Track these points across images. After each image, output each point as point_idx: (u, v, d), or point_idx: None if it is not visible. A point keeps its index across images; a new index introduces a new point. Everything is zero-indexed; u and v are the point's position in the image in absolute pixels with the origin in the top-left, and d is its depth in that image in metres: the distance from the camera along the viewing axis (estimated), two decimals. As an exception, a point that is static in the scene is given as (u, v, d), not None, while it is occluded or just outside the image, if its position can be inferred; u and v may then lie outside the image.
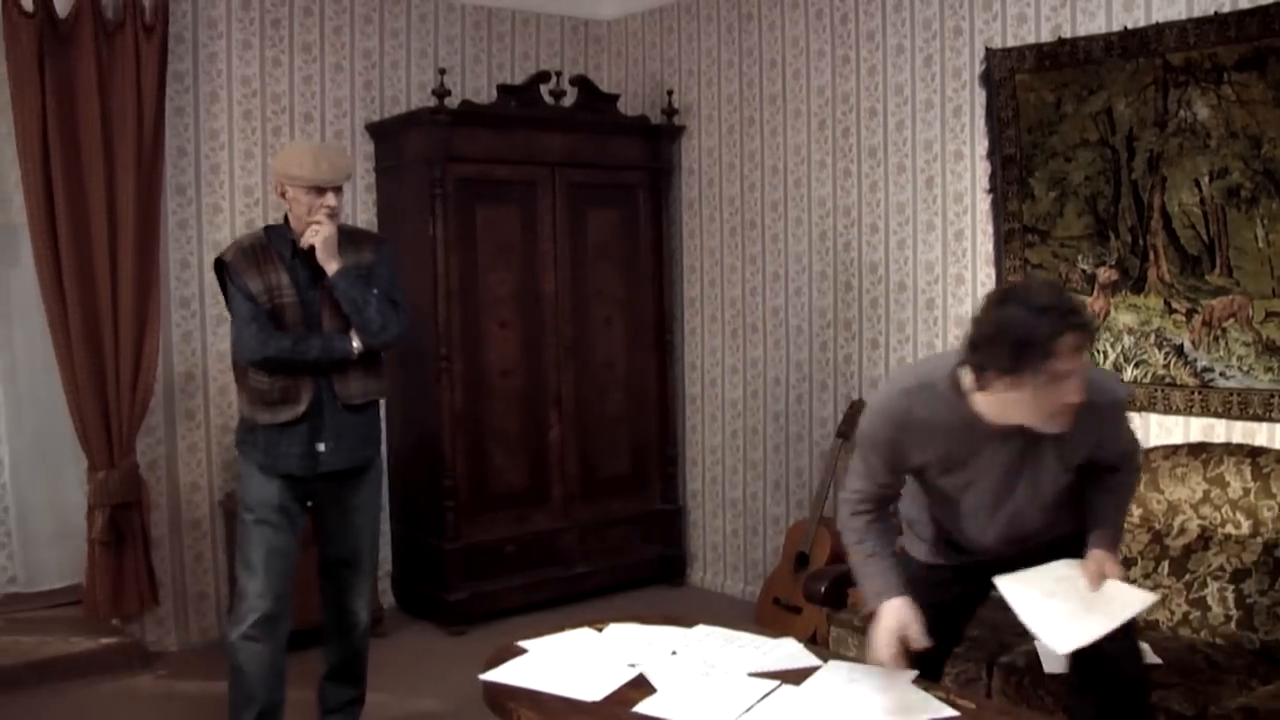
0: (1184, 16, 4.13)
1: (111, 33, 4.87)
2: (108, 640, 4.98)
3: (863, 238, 5.30)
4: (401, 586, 5.85)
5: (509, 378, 5.70)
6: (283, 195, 3.81)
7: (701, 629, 3.33)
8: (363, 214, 5.70)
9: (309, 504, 3.98)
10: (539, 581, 5.75)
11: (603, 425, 6.03)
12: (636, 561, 6.13)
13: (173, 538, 5.27)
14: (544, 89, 5.76)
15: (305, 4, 5.49)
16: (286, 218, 3.85)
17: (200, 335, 5.29)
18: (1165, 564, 3.92)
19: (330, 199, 3.77)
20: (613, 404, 6.06)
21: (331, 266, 3.79)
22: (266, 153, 5.42)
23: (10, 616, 5.25)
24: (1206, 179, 4.11)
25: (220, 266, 3.85)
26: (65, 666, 4.82)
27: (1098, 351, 4.43)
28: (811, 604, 4.51)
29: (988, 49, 4.70)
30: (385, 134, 5.68)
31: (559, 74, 5.83)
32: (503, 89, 5.72)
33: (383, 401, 4.13)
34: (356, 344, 3.82)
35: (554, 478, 5.88)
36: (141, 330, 4.98)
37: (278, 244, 3.83)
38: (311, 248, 3.79)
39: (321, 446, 3.83)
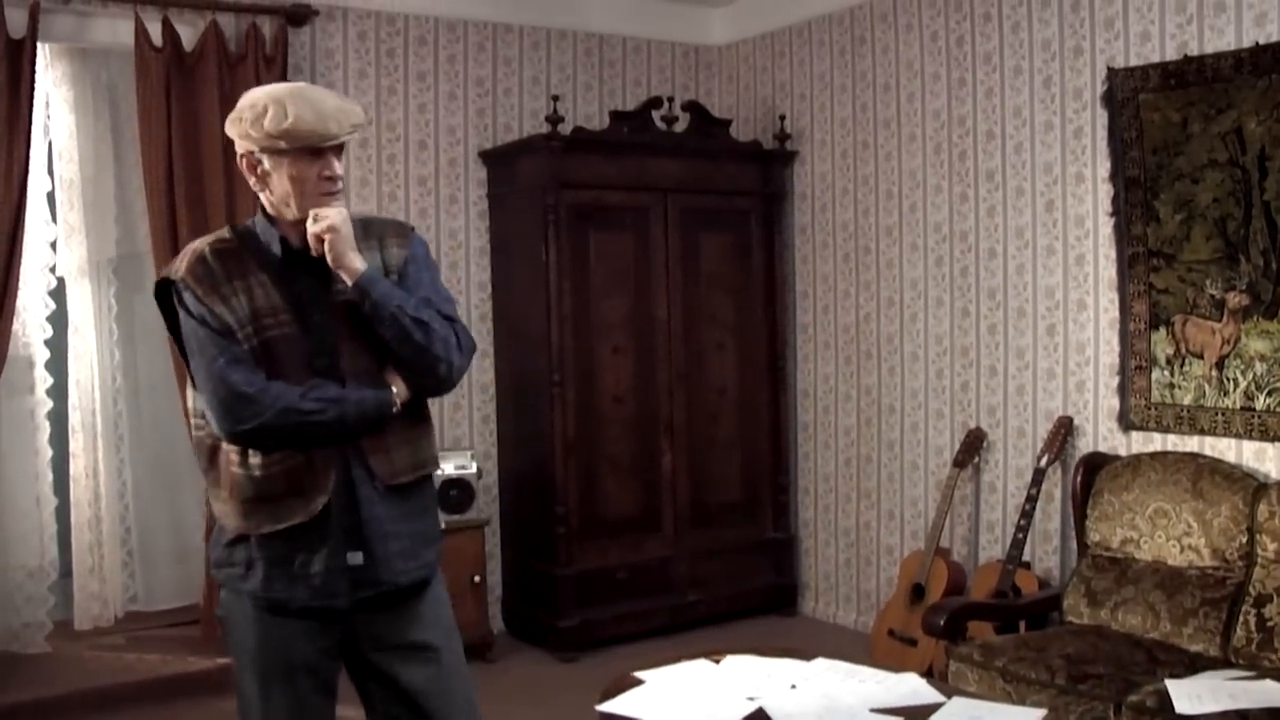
0: (1319, 31, 3.98)
1: (234, 64, 4.99)
2: (224, 661, 5.06)
3: (980, 263, 5.19)
4: (512, 611, 5.86)
5: (621, 403, 5.69)
6: (255, 173, 2.53)
7: (821, 662, 3.26)
8: (476, 240, 5.76)
9: (345, 653, 2.67)
10: (650, 609, 5.71)
11: (714, 452, 5.98)
12: (748, 590, 6.05)
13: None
14: (656, 115, 5.76)
15: (420, 34, 5.57)
16: (263, 209, 2.59)
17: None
18: (1304, 601, 3.76)
19: (333, 164, 2.52)
20: (724, 431, 6.01)
21: (352, 269, 2.50)
22: (381, 180, 5.50)
23: (133, 634, 5.38)
24: (1344, 199, 3.94)
25: (166, 289, 2.57)
26: (184, 685, 4.90)
27: (1227, 379, 4.28)
28: (930, 636, 4.41)
29: (1110, 69, 4.58)
30: (499, 160, 5.73)
31: (671, 100, 5.83)
32: (615, 115, 5.74)
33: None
34: (399, 390, 2.56)
35: (665, 504, 5.84)
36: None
37: (255, 246, 2.57)
38: (311, 245, 2.53)
39: (358, 557, 2.54)
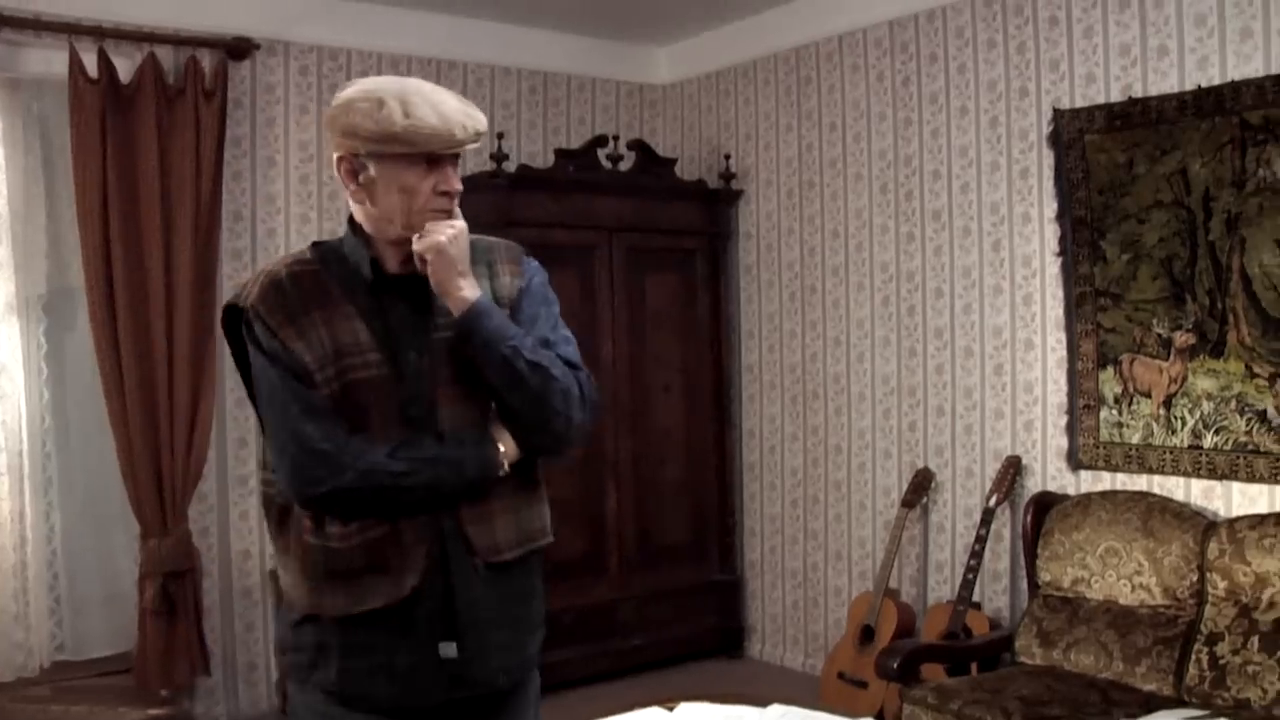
0: (1262, 74, 4.03)
1: (172, 98, 4.88)
2: (156, 711, 4.87)
3: (927, 302, 5.19)
4: (454, 658, 5.72)
5: (565, 444, 5.60)
6: (355, 180, 2.12)
7: (777, 708, 3.18)
8: (418, 279, 5.66)
9: None
10: (596, 653, 5.60)
11: (661, 494, 5.91)
12: (694, 633, 5.97)
13: (224, 607, 5.19)
14: (601, 153, 5.73)
15: (363, 69, 5.49)
16: (353, 223, 2.19)
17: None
18: (1255, 639, 3.74)
19: (451, 176, 2.14)
20: (671, 472, 5.95)
21: (460, 298, 2.10)
22: (322, 217, 5.40)
23: (60, 685, 5.17)
24: (1288, 240, 3.98)
25: (234, 317, 2.18)
26: (114, 738, 4.73)
27: (1175, 418, 4.29)
28: (883, 679, 4.35)
29: (1056, 110, 4.61)
30: (442, 198, 5.66)
31: (616, 138, 5.79)
32: (560, 153, 5.69)
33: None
34: (508, 449, 2.14)
35: (611, 546, 5.75)
36: (196, 395, 4.93)
37: (341, 268, 2.16)
38: (414, 270, 2.14)
39: (451, 649, 2.13)
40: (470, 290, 2.11)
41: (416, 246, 2.10)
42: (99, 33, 4.74)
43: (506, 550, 2.17)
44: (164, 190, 4.85)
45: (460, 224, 2.13)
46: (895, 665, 4.10)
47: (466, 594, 2.12)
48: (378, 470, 2.03)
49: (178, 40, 4.92)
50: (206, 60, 4.98)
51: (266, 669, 5.27)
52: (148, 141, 4.81)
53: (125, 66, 4.82)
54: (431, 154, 2.08)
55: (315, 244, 2.24)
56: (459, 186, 2.14)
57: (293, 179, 5.33)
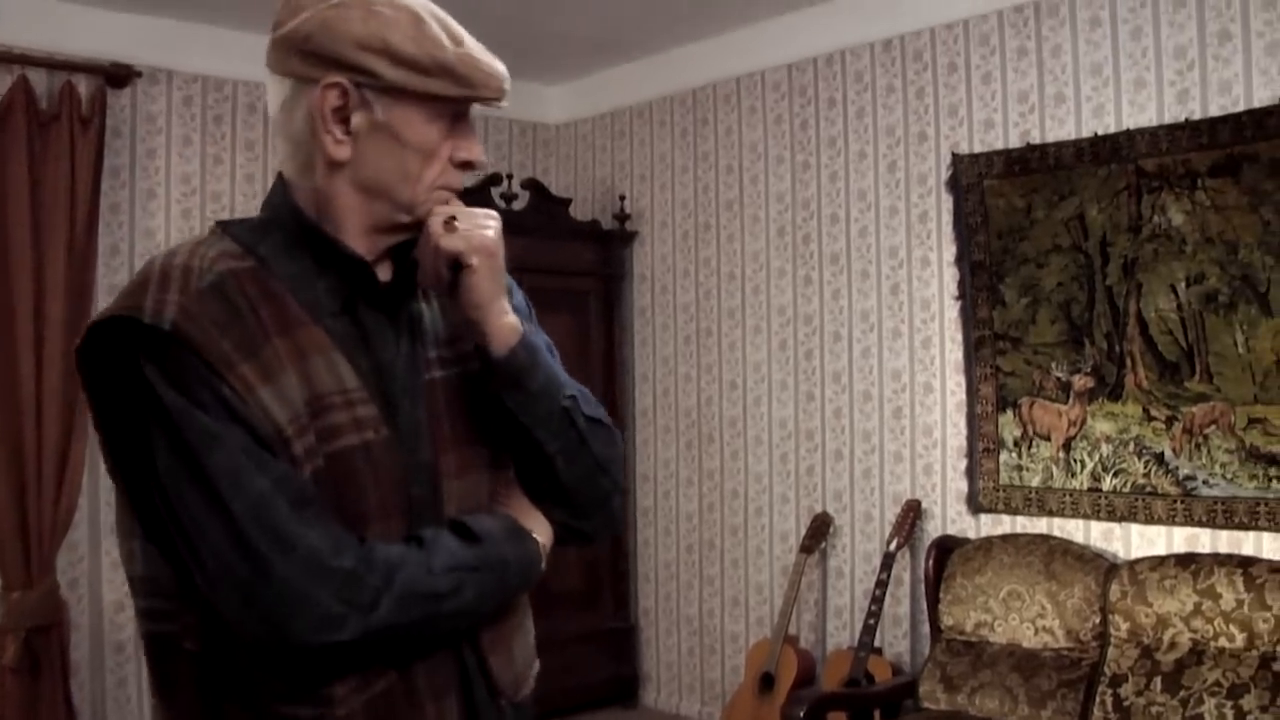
0: (1155, 123, 4.12)
1: (45, 124, 4.64)
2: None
3: (825, 346, 5.17)
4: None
5: (456, 489, 5.45)
6: (342, 124, 1.41)
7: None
8: (304, 318, 5.46)
9: None
10: (486, 706, 5.43)
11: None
12: (588, 683, 5.82)
13: (94, 663, 4.89)
14: (495, 192, 5.62)
15: (249, 100, 5.31)
16: (288, 195, 1.47)
17: (129, 444, 4.98)
18: (1158, 680, 3.77)
19: (476, 143, 1.51)
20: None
21: (504, 328, 1.49)
22: (205, 253, 5.18)
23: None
24: (1183, 285, 4.05)
25: (117, 343, 1.33)
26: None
27: (1074, 461, 4.32)
28: (787, 728, 4.27)
29: (954, 155, 4.65)
30: (330, 235, 5.48)
31: (510, 177, 5.69)
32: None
33: None
34: (544, 538, 1.55)
35: (501, 595, 5.59)
36: (67, 439, 4.67)
37: (290, 269, 1.43)
38: (402, 276, 1.52)
39: None
40: (514, 316, 1.50)
41: (450, 242, 1.43)
42: (-33, 54, 4.50)
43: (524, 684, 1.58)
44: (35, 222, 4.60)
45: (496, 214, 1.52)
46: (801, 715, 4.03)
47: None
48: (419, 592, 1.35)
49: (52, 64, 4.69)
50: (84, 86, 4.75)
51: (138, 729, 4.99)
52: (17, 169, 4.56)
53: (-6, 89, 4.58)
54: (462, 105, 1.46)
55: (223, 225, 1.47)
56: (484, 158, 1.55)
57: (174, 213, 5.12)
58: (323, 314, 1.42)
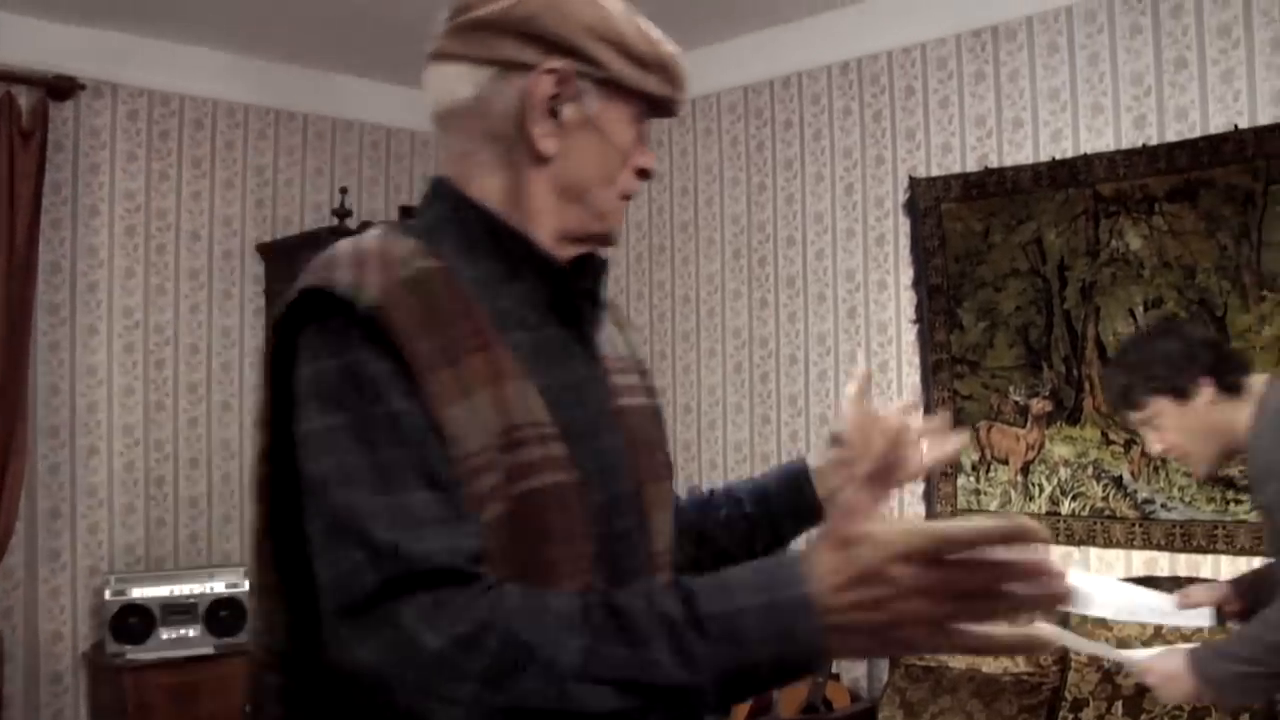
0: (1113, 148, 4.14)
1: (-15, 138, 4.51)
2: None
3: (781, 369, 5.15)
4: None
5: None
6: (551, 114, 1.27)
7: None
8: (251, 339, 5.35)
9: None
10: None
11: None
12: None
13: (28, 695, 4.72)
14: (447, 212, 5.54)
15: (196, 116, 5.20)
16: (458, 192, 1.32)
17: (69, 468, 4.83)
18: (1119, 704, 3.76)
19: (649, 150, 1.38)
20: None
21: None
22: (149, 272, 5.05)
23: None
24: (1141, 309, 4.07)
25: (362, 324, 1.14)
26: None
27: (1032, 485, 4.32)
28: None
29: (911, 178, 4.65)
30: (279, 254, 5.36)
31: (462, 197, 5.62)
32: (404, 210, 5.49)
33: None
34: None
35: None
36: (4, 462, 4.51)
37: (481, 271, 1.26)
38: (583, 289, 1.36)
39: None
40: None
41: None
42: (-96, 64, 4.37)
43: None
44: (-25, 238, 4.46)
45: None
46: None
47: None
48: (529, 707, 1.05)
49: (-8, 76, 4.57)
50: (24, 98, 4.62)
51: (74, 762, 4.82)
52: (-44, 184, 4.43)
53: (-66, 102, 4.44)
54: (659, 108, 1.35)
55: (404, 220, 1.26)
56: (654, 165, 1.39)
57: (118, 230, 4.99)
58: (510, 325, 1.24)
